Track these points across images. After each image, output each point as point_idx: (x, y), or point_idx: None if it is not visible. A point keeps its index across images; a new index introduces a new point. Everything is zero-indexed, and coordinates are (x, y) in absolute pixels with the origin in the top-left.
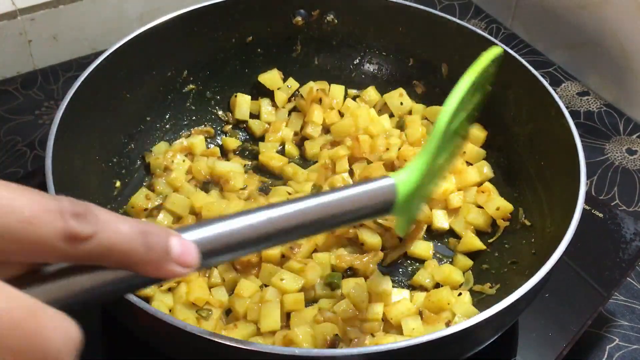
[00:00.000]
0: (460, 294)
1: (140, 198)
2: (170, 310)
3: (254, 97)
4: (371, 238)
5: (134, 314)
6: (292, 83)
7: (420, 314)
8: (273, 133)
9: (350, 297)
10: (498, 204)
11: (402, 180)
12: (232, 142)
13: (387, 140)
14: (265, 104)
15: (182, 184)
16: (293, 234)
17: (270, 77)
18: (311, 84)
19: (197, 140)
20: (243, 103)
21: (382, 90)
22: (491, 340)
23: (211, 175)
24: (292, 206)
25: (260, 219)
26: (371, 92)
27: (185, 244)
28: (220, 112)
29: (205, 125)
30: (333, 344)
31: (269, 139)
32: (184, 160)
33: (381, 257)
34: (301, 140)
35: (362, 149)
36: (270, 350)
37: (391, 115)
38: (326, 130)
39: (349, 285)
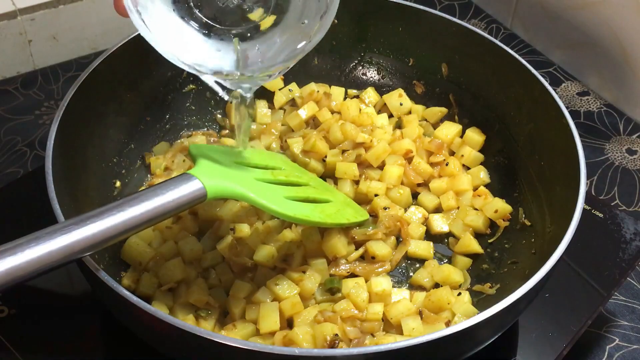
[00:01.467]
0: (459, 294)
1: None
2: (170, 311)
3: (254, 97)
4: (382, 249)
5: (134, 314)
6: (294, 87)
7: (420, 313)
8: (267, 135)
9: (350, 297)
10: (496, 207)
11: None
12: (230, 143)
13: (374, 132)
14: (261, 106)
15: None
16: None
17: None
18: (312, 85)
19: (197, 140)
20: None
21: (382, 90)
22: (491, 340)
23: None
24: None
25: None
26: (370, 93)
27: None
28: (219, 116)
29: (207, 129)
30: (333, 344)
31: (264, 140)
32: (184, 160)
33: (389, 269)
34: None
35: (333, 134)
36: (270, 350)
37: (390, 116)
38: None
39: (349, 285)
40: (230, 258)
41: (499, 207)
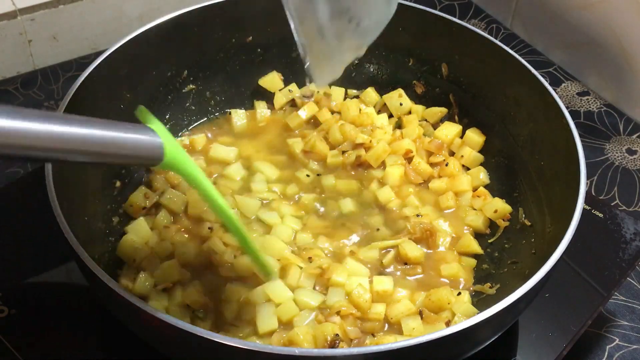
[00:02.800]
0: (459, 294)
1: (139, 197)
2: (166, 311)
3: (254, 97)
4: (415, 251)
5: (134, 314)
6: (294, 88)
7: (420, 313)
8: (267, 133)
9: (352, 297)
10: (496, 206)
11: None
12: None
13: (374, 132)
14: (261, 107)
15: (180, 180)
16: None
17: (271, 80)
18: (312, 86)
19: (198, 137)
20: (237, 119)
21: (382, 90)
22: (491, 340)
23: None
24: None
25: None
26: (370, 93)
27: None
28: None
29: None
30: (333, 344)
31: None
32: None
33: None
34: None
35: (333, 135)
36: (270, 350)
37: (390, 116)
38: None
39: (352, 284)
40: (213, 259)
41: (499, 207)
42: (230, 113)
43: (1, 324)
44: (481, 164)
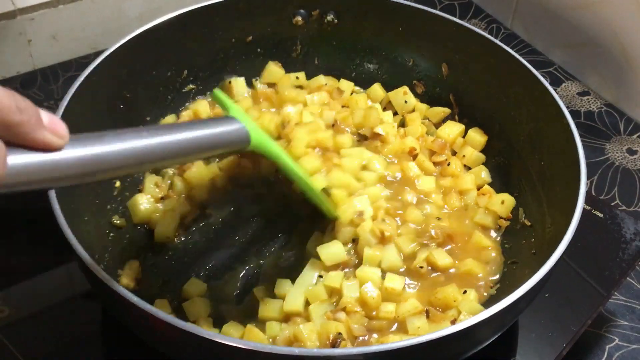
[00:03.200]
0: (465, 292)
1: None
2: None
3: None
4: (444, 259)
5: (134, 314)
6: (301, 76)
7: (427, 312)
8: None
9: (362, 294)
10: (502, 198)
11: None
12: None
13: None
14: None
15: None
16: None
17: (275, 71)
18: (321, 78)
19: (201, 107)
20: (238, 89)
21: (382, 90)
22: (491, 340)
23: None
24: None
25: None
26: (377, 89)
27: (53, 116)
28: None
29: None
30: (335, 343)
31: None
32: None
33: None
34: None
35: (357, 115)
36: (270, 350)
37: (395, 114)
38: None
39: (364, 279)
40: None
41: (505, 198)
42: (230, 82)
43: (1, 324)
44: (482, 164)
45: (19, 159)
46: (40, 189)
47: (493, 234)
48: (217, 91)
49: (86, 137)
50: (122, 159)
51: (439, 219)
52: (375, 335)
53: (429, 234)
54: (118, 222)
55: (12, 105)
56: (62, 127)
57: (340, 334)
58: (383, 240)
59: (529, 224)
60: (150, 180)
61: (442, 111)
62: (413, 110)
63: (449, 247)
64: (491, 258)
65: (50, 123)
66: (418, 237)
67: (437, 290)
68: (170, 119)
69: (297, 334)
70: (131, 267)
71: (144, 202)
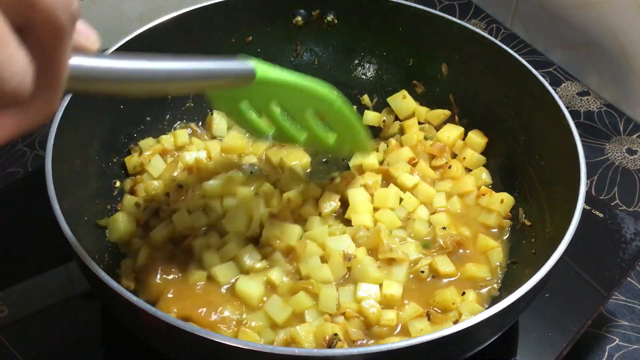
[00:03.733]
0: (464, 293)
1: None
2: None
3: None
4: (447, 267)
5: (134, 314)
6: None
7: (428, 315)
8: None
9: (363, 310)
10: (501, 197)
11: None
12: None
13: None
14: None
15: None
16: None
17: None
18: None
19: (180, 135)
20: (219, 122)
21: (382, 90)
22: (491, 340)
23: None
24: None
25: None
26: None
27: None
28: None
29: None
30: (330, 344)
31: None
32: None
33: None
34: None
35: None
36: (270, 350)
37: (396, 119)
38: None
39: (362, 289)
40: None
41: (504, 197)
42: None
43: (1, 324)
44: (482, 165)
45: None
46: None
47: (498, 233)
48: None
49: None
50: (152, 73)
51: (444, 228)
52: (372, 341)
53: (438, 244)
54: None
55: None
56: (91, 32)
57: (336, 334)
58: (392, 262)
59: (529, 224)
60: (130, 201)
61: (442, 113)
62: (413, 115)
63: (460, 251)
64: (496, 258)
65: (81, 27)
66: (426, 249)
67: (436, 294)
68: (148, 141)
69: (294, 335)
70: (126, 265)
71: (124, 221)
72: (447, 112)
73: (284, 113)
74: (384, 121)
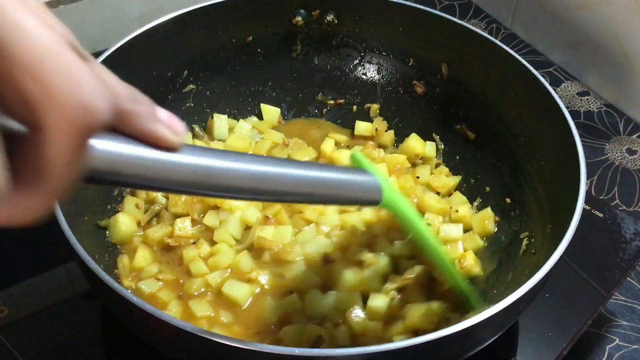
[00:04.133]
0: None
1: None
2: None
3: (255, 97)
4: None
5: (134, 314)
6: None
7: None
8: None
9: (348, 319)
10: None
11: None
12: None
13: None
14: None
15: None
16: (275, 196)
17: (272, 111)
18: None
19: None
20: (220, 124)
21: (383, 90)
22: (491, 340)
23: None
24: (293, 172)
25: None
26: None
27: (171, 114)
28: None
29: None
30: (315, 346)
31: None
32: None
33: None
34: None
35: None
36: (270, 350)
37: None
38: None
39: (343, 300)
40: None
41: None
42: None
43: (1, 324)
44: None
45: (128, 149)
46: (151, 188)
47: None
48: (354, 153)
49: (201, 149)
50: (237, 179)
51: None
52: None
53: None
54: None
55: (128, 95)
56: (179, 124)
57: (320, 336)
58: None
59: (529, 224)
60: (130, 202)
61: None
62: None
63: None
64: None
65: (167, 118)
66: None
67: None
68: None
69: (281, 337)
70: (123, 263)
71: (125, 222)
72: (456, 181)
73: None
74: (376, 130)
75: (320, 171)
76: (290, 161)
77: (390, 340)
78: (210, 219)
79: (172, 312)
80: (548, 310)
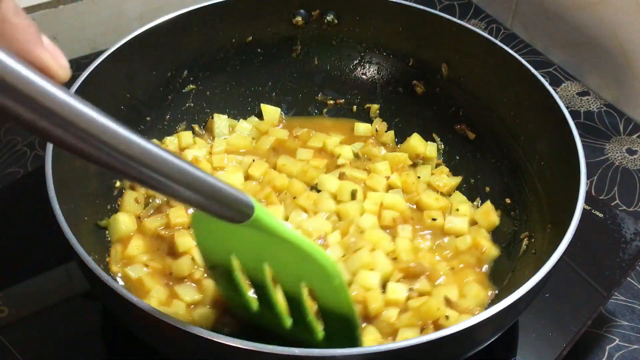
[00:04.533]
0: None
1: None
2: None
3: (255, 97)
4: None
5: (134, 314)
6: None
7: (422, 329)
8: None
9: (365, 299)
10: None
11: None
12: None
13: None
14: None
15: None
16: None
17: (272, 111)
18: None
19: (184, 137)
20: (221, 125)
21: (383, 90)
22: (491, 340)
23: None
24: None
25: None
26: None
27: (54, 46)
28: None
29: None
30: None
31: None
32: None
33: None
34: None
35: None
36: (270, 350)
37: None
38: None
39: (366, 279)
40: None
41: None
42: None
43: (1, 324)
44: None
45: (16, 64)
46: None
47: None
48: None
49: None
50: (119, 142)
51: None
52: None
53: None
54: None
55: (12, 8)
56: (63, 57)
57: None
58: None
59: (529, 224)
60: (130, 196)
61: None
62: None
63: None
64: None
65: (49, 46)
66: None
67: (422, 304)
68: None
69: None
70: (116, 250)
71: (125, 222)
72: (457, 181)
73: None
74: (376, 130)
75: (200, 171)
76: (169, 152)
77: (396, 331)
78: None
79: (154, 298)
80: (548, 310)
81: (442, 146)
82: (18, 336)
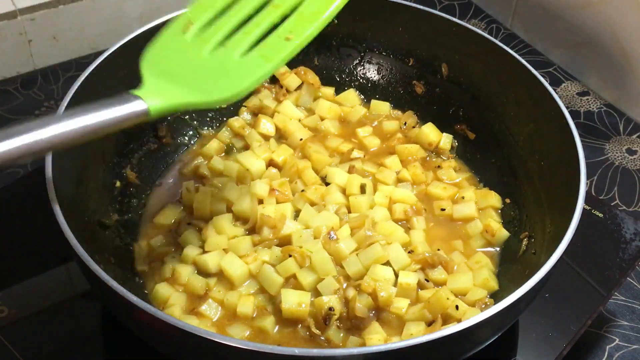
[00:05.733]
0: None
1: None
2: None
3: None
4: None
5: (134, 314)
6: None
7: (430, 323)
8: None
9: (375, 291)
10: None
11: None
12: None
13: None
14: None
15: None
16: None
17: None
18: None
19: (237, 122)
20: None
21: (383, 90)
22: (491, 340)
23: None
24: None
25: None
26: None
27: None
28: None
29: (207, 128)
30: (326, 319)
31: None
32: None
33: None
34: None
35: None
36: (270, 350)
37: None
38: None
39: (378, 273)
40: None
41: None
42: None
43: (1, 324)
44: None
45: None
46: None
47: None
48: (144, 61)
49: None
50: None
51: (439, 249)
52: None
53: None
54: (117, 222)
55: None
56: None
57: (332, 309)
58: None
59: (529, 224)
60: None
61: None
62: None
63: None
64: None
65: None
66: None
67: (432, 295)
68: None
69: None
70: (140, 247)
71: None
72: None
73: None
74: (405, 123)
75: (89, 115)
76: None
77: (403, 324)
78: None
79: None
80: (548, 310)
81: (456, 144)
82: (18, 336)
